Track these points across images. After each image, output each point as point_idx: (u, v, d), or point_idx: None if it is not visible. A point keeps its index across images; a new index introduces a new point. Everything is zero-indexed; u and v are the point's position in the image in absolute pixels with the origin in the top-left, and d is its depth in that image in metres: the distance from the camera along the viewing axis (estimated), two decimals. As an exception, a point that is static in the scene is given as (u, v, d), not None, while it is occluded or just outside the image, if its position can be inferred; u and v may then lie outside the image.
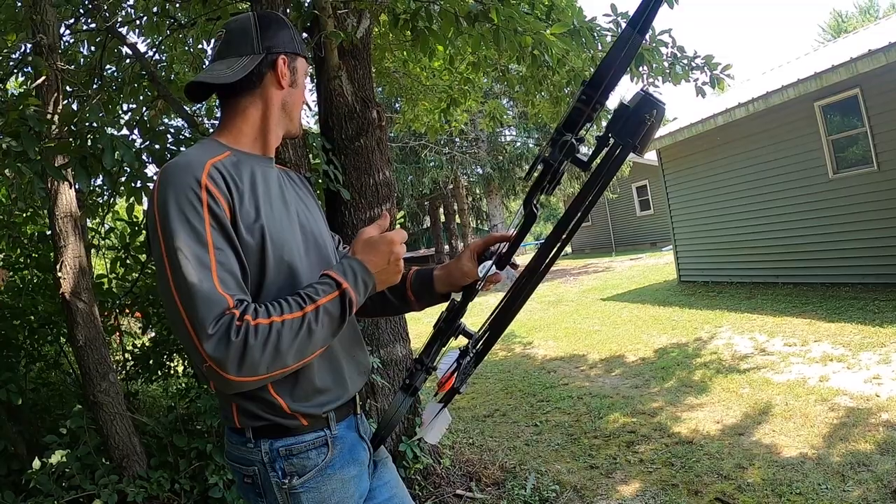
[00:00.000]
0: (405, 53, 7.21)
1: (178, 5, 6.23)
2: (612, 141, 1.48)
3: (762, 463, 4.56)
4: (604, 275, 19.77)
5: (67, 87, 4.19)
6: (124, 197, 5.39)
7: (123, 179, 4.12)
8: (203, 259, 1.41)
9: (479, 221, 33.11)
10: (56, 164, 3.74)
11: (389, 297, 1.99)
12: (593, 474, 4.86)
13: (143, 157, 4.08)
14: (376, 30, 6.06)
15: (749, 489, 4.20)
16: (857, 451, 4.47)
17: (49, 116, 3.76)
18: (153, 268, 5.48)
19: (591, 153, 1.53)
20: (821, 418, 5.20)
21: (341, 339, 1.66)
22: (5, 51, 3.42)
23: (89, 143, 3.60)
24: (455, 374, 1.82)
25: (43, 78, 4.00)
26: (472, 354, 1.83)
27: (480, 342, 1.84)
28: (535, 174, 1.60)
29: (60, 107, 4.10)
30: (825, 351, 7.11)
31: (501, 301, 1.78)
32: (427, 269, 1.95)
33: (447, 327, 1.85)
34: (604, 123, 1.68)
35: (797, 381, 6.28)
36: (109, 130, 3.82)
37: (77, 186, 4.15)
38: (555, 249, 1.64)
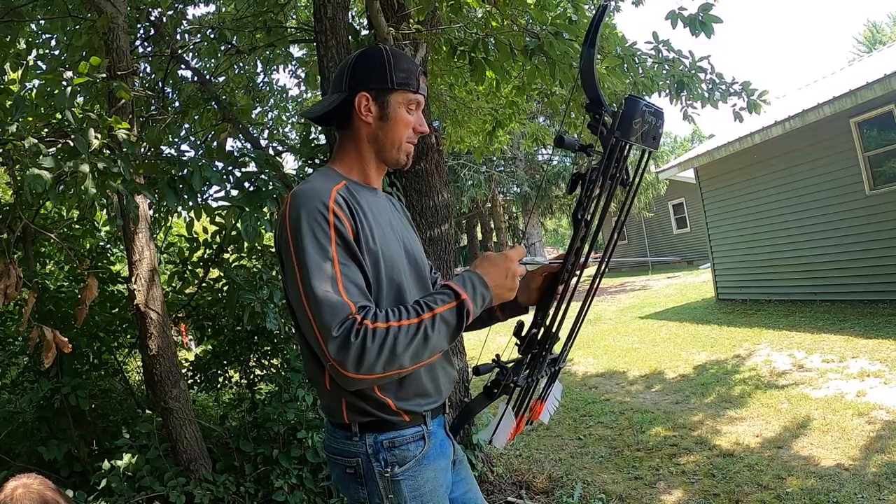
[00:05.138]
0: (451, 77, 7.41)
1: (233, 31, 6.48)
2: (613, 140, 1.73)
3: (801, 474, 4.69)
4: (641, 293, 19.72)
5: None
6: (180, 215, 5.63)
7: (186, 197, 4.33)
8: (329, 272, 1.61)
9: (515, 240, 33.01)
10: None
11: None
12: (638, 484, 5.02)
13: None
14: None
15: (788, 498, 4.33)
16: (893, 463, 4.59)
17: (127, 138, 3.99)
18: (209, 283, 5.71)
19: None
20: (858, 431, 5.31)
21: None
22: (96, 76, 3.66)
23: (175, 164, 3.84)
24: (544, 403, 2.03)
25: (122, 102, 4.25)
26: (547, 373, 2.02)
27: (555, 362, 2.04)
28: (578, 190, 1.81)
29: (134, 129, 4.34)
30: (863, 367, 7.19)
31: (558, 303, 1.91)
32: None
33: (538, 348, 1.92)
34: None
35: (835, 397, 6.38)
36: (189, 152, 4.05)
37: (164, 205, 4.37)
38: (584, 249, 1.85)
